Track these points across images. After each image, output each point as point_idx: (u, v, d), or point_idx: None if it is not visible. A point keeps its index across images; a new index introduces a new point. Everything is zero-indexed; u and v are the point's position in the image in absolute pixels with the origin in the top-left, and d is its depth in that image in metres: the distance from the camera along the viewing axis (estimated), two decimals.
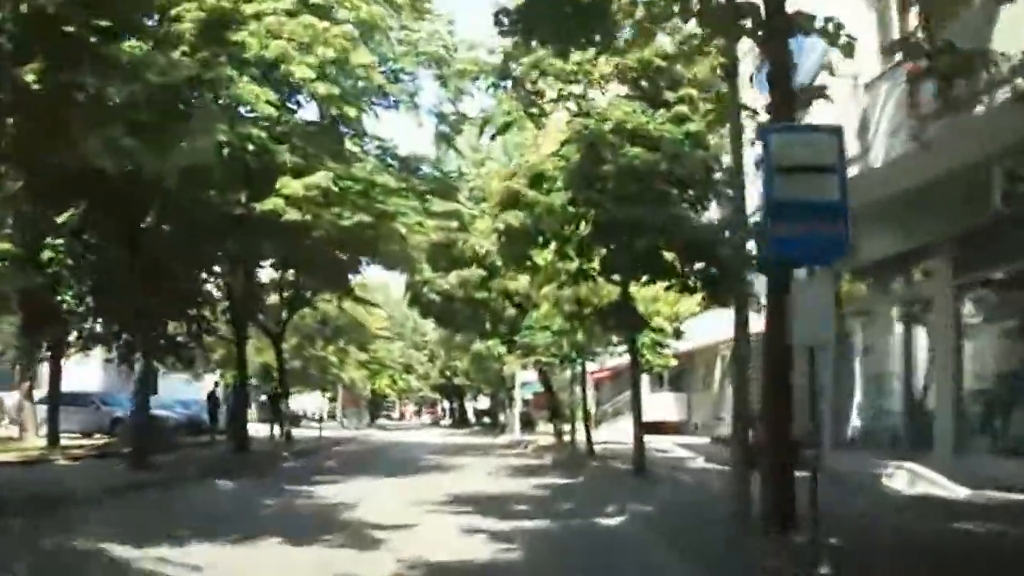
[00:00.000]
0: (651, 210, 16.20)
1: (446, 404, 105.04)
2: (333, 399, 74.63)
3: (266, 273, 31.91)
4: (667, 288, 19.16)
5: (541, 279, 24.05)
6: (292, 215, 17.71)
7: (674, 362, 33.90)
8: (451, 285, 32.32)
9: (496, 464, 25.37)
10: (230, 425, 30.04)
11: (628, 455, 21.15)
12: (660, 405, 51.05)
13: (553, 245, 19.11)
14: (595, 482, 18.86)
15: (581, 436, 28.77)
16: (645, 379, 53.21)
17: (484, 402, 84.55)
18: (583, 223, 17.98)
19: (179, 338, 27.56)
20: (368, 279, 53.94)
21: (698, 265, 17.29)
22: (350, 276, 31.85)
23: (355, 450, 33.39)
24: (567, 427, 33.88)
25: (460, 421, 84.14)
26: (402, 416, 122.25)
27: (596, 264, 18.81)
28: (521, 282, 26.32)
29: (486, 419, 79.16)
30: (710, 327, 28.46)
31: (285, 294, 32.22)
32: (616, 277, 18.91)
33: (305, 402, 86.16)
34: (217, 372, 50.56)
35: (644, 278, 18.48)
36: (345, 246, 21.16)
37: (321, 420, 42.55)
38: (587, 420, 28.55)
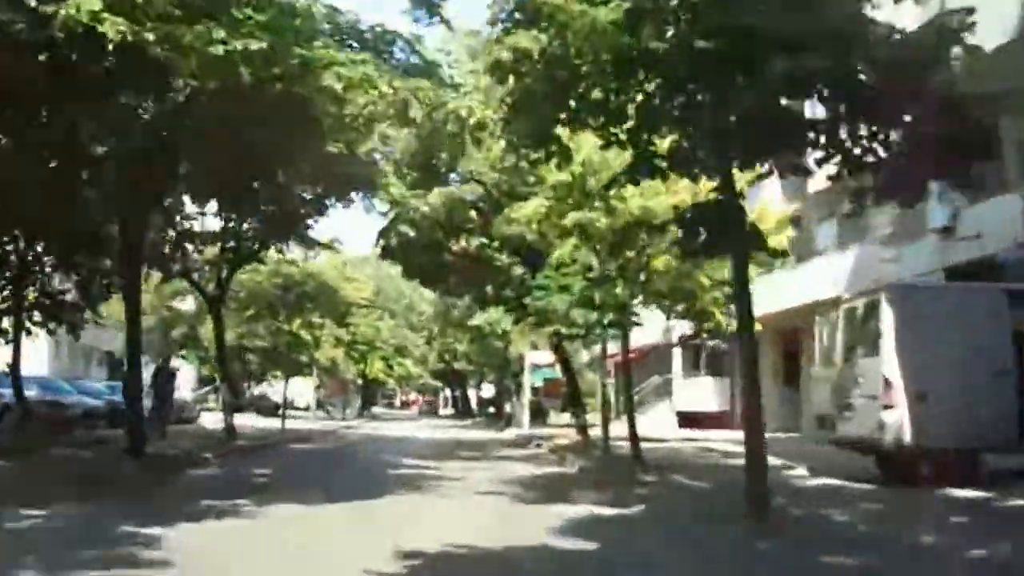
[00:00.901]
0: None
1: (448, 393, 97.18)
2: (320, 386, 67.03)
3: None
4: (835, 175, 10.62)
5: (564, 196, 16.15)
6: (112, 28, 9.53)
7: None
8: (433, 210, 24.24)
9: (500, 475, 17.42)
10: (153, 412, 22.37)
11: (686, 461, 17.44)
12: (697, 393, 43.13)
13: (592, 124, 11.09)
14: (677, 527, 10.69)
15: (610, 431, 21.08)
16: (677, 359, 45.34)
17: (490, 390, 76.68)
18: (644, 76, 10.06)
19: (66, 295, 19.92)
20: (349, 251, 46.94)
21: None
22: (311, 223, 24.05)
23: (315, 450, 25.55)
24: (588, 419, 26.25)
25: (462, 411, 76.25)
26: (404, 405, 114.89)
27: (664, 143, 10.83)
28: (531, 209, 18.30)
29: (490, 409, 71.23)
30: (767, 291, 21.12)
31: (225, 247, 24.31)
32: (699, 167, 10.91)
33: (292, 390, 78.90)
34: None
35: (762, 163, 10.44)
36: (243, 118, 12.96)
37: (280, 409, 34.59)
38: (630, 411, 20.70)
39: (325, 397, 63.05)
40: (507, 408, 50.33)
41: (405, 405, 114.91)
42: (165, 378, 24.82)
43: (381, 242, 25.59)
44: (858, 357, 14.17)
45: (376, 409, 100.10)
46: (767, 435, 10.61)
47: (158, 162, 14.62)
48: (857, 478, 13.60)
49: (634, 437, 18.36)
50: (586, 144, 13.62)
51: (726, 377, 42.46)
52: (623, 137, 10.82)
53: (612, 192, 13.70)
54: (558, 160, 11.13)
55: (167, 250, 21.81)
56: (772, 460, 11.43)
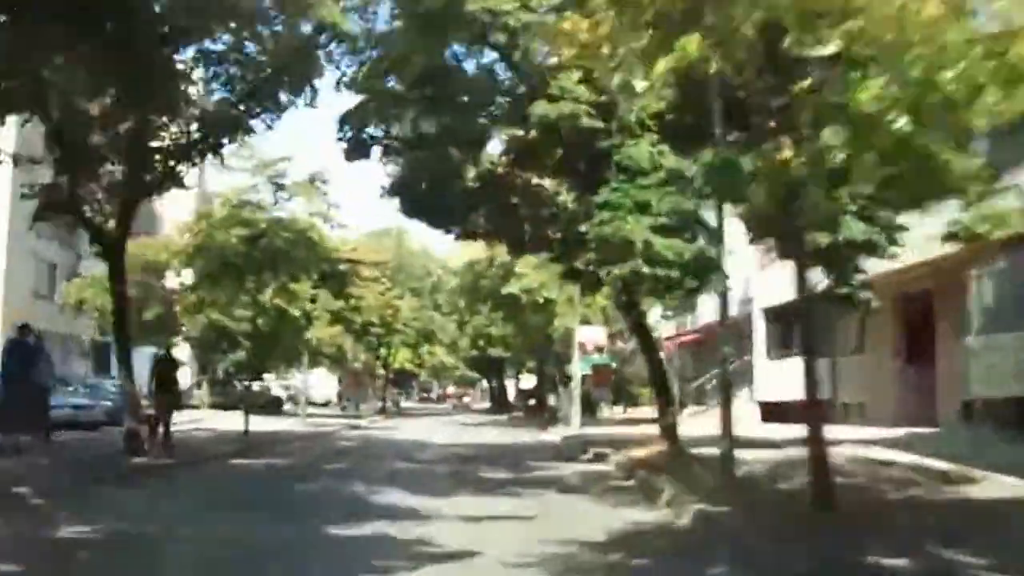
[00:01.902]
0: None
1: (485, 384, 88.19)
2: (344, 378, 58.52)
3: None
4: None
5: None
6: None
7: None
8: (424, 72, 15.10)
9: (545, 533, 8.41)
10: None
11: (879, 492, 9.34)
12: (788, 378, 33.89)
13: None
14: None
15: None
16: (760, 336, 36.08)
17: (530, 381, 67.80)
18: None
19: None
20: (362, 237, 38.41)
21: None
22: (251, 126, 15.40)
23: (249, 470, 16.50)
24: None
25: (499, 405, 67.34)
26: (441, 399, 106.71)
27: None
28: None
29: (530, 402, 62.28)
30: None
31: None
32: None
33: (311, 383, 70.29)
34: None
35: None
36: None
37: (280, 403, 25.96)
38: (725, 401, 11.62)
39: (345, 390, 54.67)
40: (550, 400, 41.33)
41: (442, 399, 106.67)
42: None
43: (345, 133, 16.44)
44: None
45: (408, 403, 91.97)
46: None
47: None
48: None
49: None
50: None
51: (824, 357, 33.22)
52: None
53: None
54: None
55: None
56: None
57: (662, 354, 54.99)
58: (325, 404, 60.60)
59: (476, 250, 33.61)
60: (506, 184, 17.69)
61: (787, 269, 31.37)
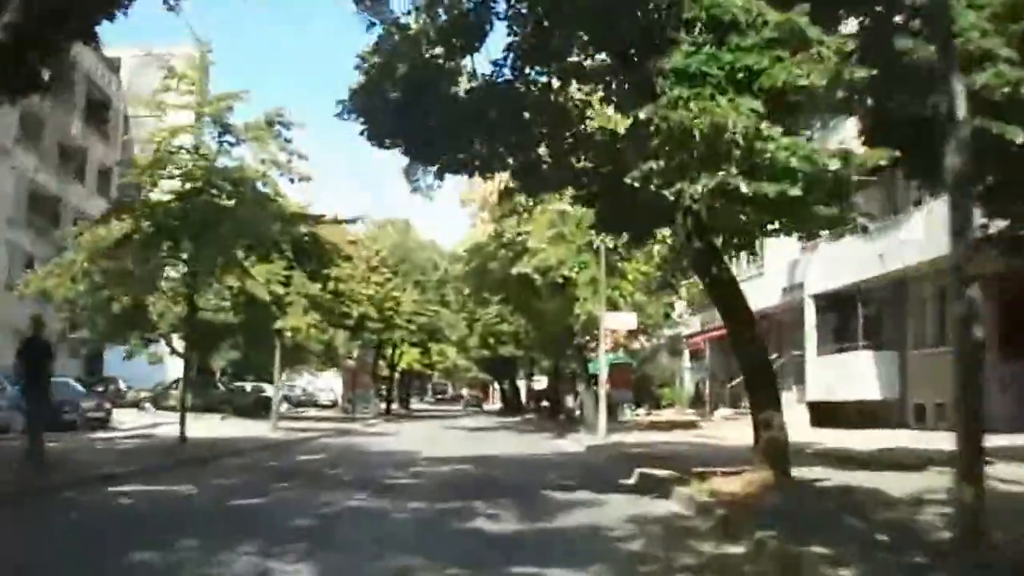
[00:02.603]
0: None
1: (496, 386, 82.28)
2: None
3: None
4: None
5: None
6: None
7: None
8: None
9: None
10: None
11: None
12: (845, 375, 28.18)
13: None
14: None
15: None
16: (811, 327, 30.12)
17: (544, 382, 62.08)
18: None
19: None
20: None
21: None
22: None
23: (128, 506, 10.64)
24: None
25: (511, 406, 61.51)
26: (455, 399, 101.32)
27: None
28: None
29: (543, 403, 56.46)
30: None
31: None
32: None
33: (320, 383, 64.85)
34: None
35: None
36: None
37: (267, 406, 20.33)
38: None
39: (347, 391, 49.00)
40: (569, 402, 35.47)
41: (456, 400, 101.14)
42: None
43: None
44: None
45: (420, 405, 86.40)
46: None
47: None
48: None
49: None
50: None
51: (890, 350, 27.45)
52: None
53: None
54: None
55: None
56: None
57: (686, 353, 49.45)
58: (332, 405, 55.23)
59: (482, 232, 27.96)
60: (512, 94, 11.91)
61: (844, 246, 25.45)
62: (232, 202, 16.95)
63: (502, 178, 22.14)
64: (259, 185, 17.53)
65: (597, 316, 23.07)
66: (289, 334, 24.07)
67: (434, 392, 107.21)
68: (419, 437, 27.66)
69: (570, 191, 12.86)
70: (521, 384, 66.44)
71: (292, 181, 18.24)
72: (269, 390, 46.37)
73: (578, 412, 36.57)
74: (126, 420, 29.25)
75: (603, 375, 23.44)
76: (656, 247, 24.86)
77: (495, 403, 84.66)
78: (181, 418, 17.48)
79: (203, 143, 17.28)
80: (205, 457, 15.89)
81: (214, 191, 16.42)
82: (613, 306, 23.40)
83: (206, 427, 26.49)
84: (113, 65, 48.40)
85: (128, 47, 41.95)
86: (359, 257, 39.48)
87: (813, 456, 15.70)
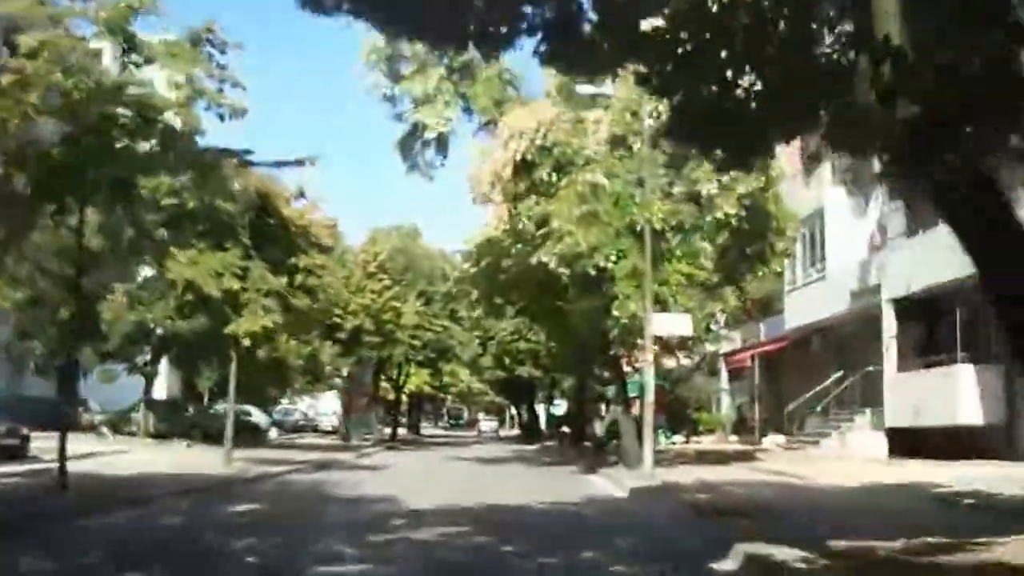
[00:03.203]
0: None
1: (514, 411, 76.28)
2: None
3: None
4: None
5: None
6: None
7: None
8: None
9: None
10: None
11: None
12: (935, 395, 22.48)
13: None
14: None
15: None
16: (890, 332, 23.82)
17: (563, 407, 56.27)
18: None
19: None
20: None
21: None
22: None
23: None
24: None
25: (529, 432, 55.69)
26: (471, 424, 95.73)
27: None
28: None
29: (564, 428, 50.65)
30: None
31: None
32: None
33: (322, 407, 59.31)
34: None
35: None
36: None
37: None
38: None
39: (344, 415, 43.31)
40: (597, 428, 29.82)
41: (472, 424, 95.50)
42: None
43: None
44: None
45: (433, 431, 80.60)
46: None
47: None
48: None
49: None
50: None
51: (996, 364, 21.79)
52: None
53: None
54: None
55: None
56: None
57: (724, 373, 43.58)
58: (335, 431, 49.66)
59: (495, 222, 22.59)
60: None
61: (934, 238, 19.32)
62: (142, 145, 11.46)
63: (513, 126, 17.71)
64: (176, 121, 12.05)
65: (641, 318, 17.45)
66: (247, 342, 18.55)
67: (449, 416, 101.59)
68: (415, 472, 22.04)
69: (633, 68, 7.27)
70: (540, 408, 60.60)
71: (223, 118, 12.75)
72: (255, 414, 40.98)
73: (607, 439, 30.93)
74: (70, 447, 23.82)
75: (650, 395, 17.72)
76: (704, 244, 19.33)
77: (509, 428, 78.88)
78: (60, 454, 11.91)
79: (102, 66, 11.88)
80: (63, 512, 10.34)
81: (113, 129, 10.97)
82: (661, 305, 17.78)
83: (147, 459, 21.05)
84: None
85: None
86: (356, 263, 34.11)
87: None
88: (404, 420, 69.60)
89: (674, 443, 34.24)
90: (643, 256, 17.67)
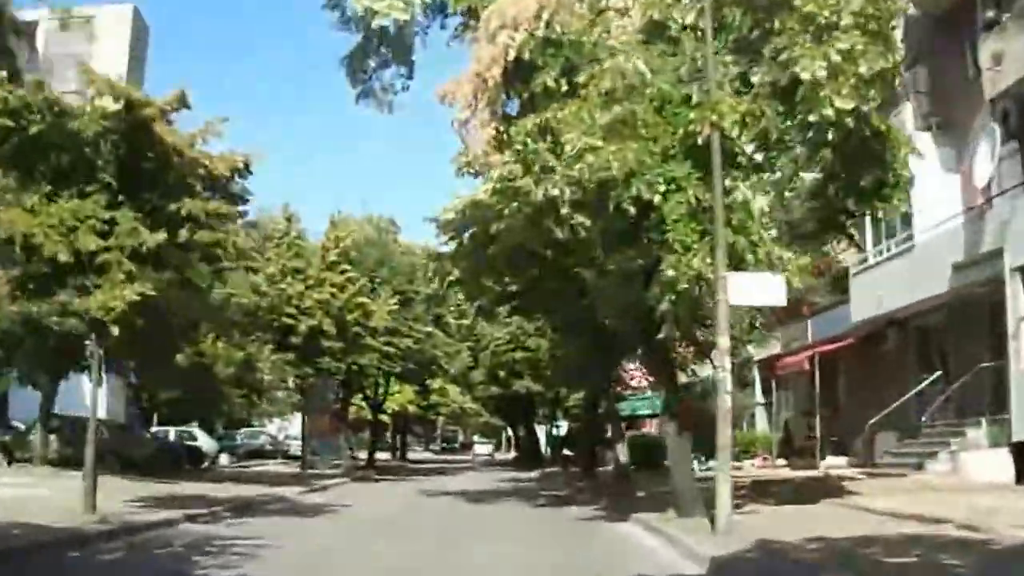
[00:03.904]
0: None
1: (511, 433, 69.04)
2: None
3: None
4: None
5: None
6: None
7: None
8: None
9: None
10: None
11: None
12: None
13: None
14: None
15: None
16: (1018, 313, 16.98)
17: (565, 427, 49.21)
18: None
19: None
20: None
21: None
22: None
23: None
24: None
25: (527, 456, 48.64)
26: (464, 447, 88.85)
27: None
28: None
29: (567, 452, 43.63)
30: None
31: None
32: None
33: (293, 430, 52.09)
34: None
35: None
36: None
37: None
38: None
39: (312, 438, 36.30)
40: (620, 454, 22.90)
41: (465, 447, 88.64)
42: None
43: None
44: None
45: (423, 455, 73.61)
46: None
47: None
48: None
49: None
50: None
51: None
52: None
53: None
54: None
55: None
56: None
57: (757, 383, 36.52)
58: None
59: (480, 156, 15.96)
60: None
61: None
62: None
63: None
64: None
65: (709, 280, 10.70)
66: (114, 328, 11.76)
67: (443, 440, 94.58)
68: (367, 520, 15.16)
69: None
70: (539, 430, 53.58)
71: None
72: (201, 438, 34.01)
73: (627, 467, 24.01)
74: None
75: (725, 399, 10.85)
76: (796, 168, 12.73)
77: (509, 451, 71.73)
78: None
79: None
80: None
81: None
82: (737, 262, 11.01)
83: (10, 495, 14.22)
84: None
85: None
86: (318, 257, 27.31)
87: None
88: (395, 444, 62.77)
89: (710, 469, 27.33)
90: (708, 186, 10.96)
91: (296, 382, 27.35)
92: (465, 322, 41.89)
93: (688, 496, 12.71)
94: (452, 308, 39.30)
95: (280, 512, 16.23)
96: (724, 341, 10.89)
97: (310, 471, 29.08)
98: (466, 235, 17.78)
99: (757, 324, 24.96)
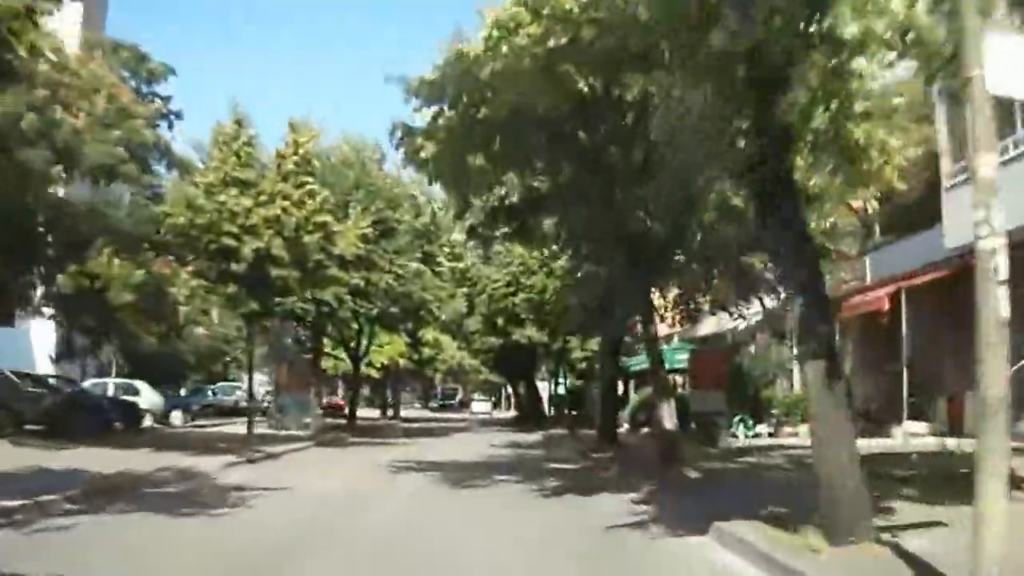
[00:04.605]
0: None
1: (510, 389, 63.31)
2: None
3: None
4: None
5: None
6: None
7: None
8: None
9: None
10: None
11: None
12: None
13: None
14: None
15: None
16: None
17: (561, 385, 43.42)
18: None
19: None
20: None
21: None
22: None
23: None
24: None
25: (528, 414, 42.90)
26: (463, 405, 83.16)
27: None
28: None
29: (571, 411, 37.88)
30: None
31: None
32: None
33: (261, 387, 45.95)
34: None
35: None
36: None
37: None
38: None
39: (285, 393, 30.52)
40: (665, 416, 16.91)
41: (464, 405, 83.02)
42: None
43: None
44: None
45: (420, 412, 68.14)
46: None
47: None
48: None
49: None
50: None
51: None
52: None
53: None
54: None
55: None
56: None
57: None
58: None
59: None
60: None
61: None
62: None
63: None
64: None
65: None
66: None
67: (442, 396, 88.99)
68: (280, 523, 9.33)
69: None
70: (542, 386, 47.81)
71: None
72: (145, 392, 28.13)
73: (689, 435, 17.83)
74: None
75: (996, 299, 4.90)
76: None
77: (508, 410, 66.13)
78: None
79: None
80: None
81: None
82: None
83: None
84: None
85: None
86: (274, 170, 21.13)
87: None
88: (385, 401, 57.13)
89: (759, 436, 21.49)
90: None
91: (244, 323, 21.40)
92: (459, 265, 36.03)
93: (848, 501, 6.65)
94: (444, 246, 33.33)
95: (151, 506, 10.27)
96: (987, 171, 4.84)
97: (264, 432, 23.30)
98: (446, 101, 11.72)
99: (832, 251, 18.90)
